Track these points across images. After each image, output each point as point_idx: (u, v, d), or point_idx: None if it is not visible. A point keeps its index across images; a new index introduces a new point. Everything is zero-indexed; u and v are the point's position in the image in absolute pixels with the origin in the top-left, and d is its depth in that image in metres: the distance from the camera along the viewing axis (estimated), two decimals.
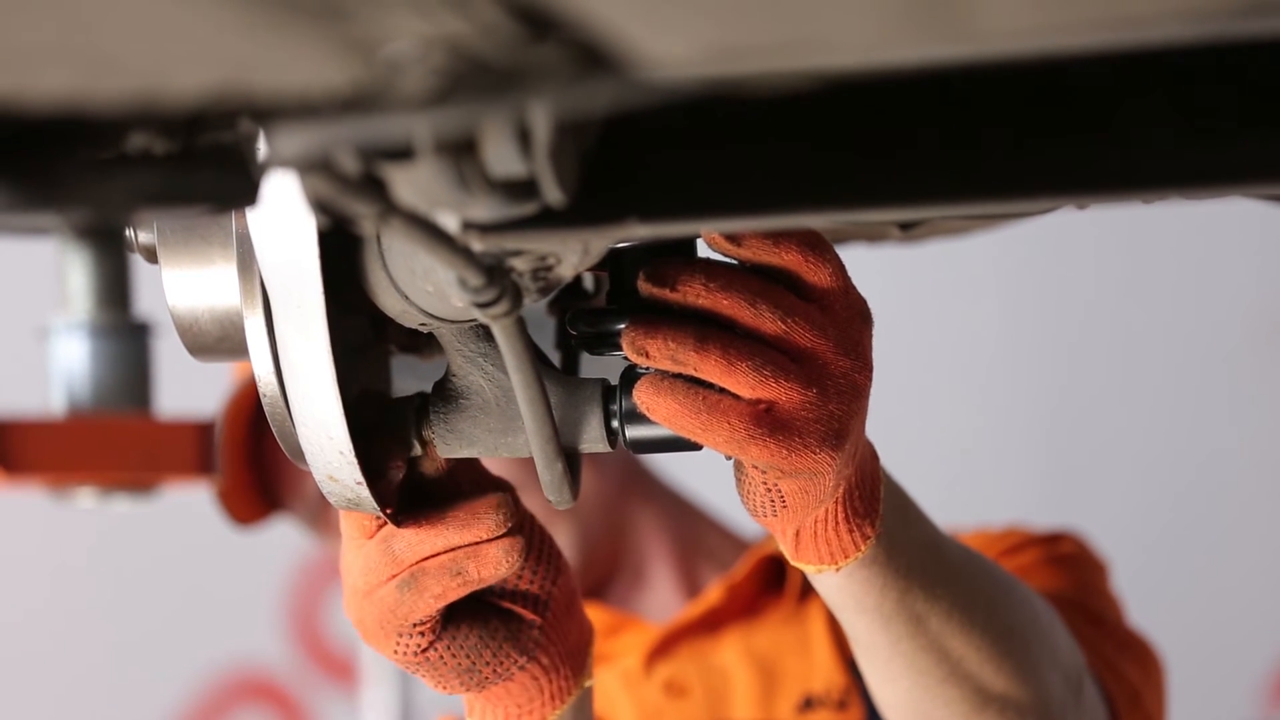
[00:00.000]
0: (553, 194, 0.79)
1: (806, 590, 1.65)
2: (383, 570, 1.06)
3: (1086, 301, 3.48)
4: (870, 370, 1.00)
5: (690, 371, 0.97)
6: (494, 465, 1.10)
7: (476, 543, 1.05)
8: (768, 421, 0.97)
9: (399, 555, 1.05)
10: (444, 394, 1.04)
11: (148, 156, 0.73)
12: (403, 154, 0.74)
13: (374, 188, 0.77)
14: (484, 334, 1.03)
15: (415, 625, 1.06)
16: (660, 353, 0.97)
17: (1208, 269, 3.44)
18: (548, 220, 0.83)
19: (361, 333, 1.04)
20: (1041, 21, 0.60)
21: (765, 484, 1.01)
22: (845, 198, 0.85)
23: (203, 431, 1.77)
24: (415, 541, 1.05)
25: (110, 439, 1.74)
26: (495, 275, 0.90)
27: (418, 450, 1.05)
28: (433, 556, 1.05)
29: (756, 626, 1.66)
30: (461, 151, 0.75)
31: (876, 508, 1.06)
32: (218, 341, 1.02)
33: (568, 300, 1.18)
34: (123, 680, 3.43)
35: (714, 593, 1.67)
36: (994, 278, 3.45)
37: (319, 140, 0.70)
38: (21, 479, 1.73)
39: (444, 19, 0.61)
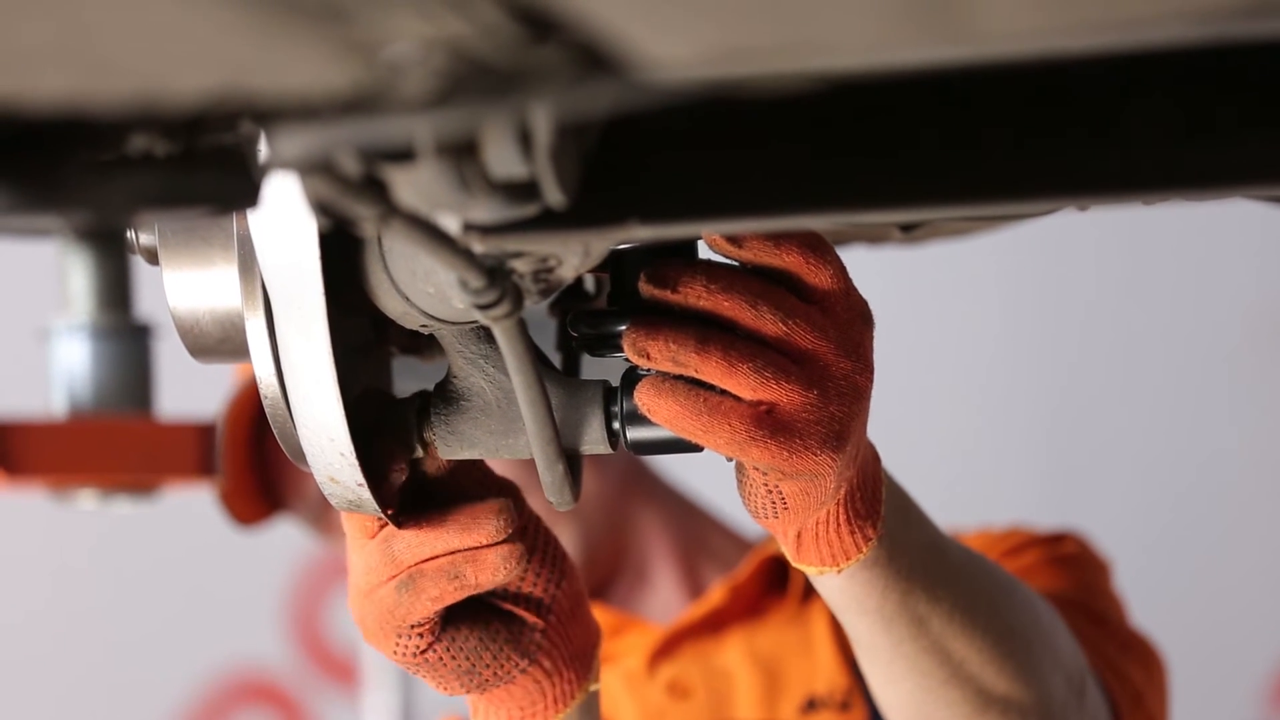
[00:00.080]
0: (554, 195, 0.79)
1: (809, 591, 1.64)
2: (382, 571, 1.06)
3: (1087, 302, 3.48)
4: (871, 372, 1.00)
5: (691, 373, 0.97)
6: (499, 466, 1.10)
7: (476, 547, 1.05)
8: (769, 423, 0.97)
9: (398, 556, 1.05)
10: (445, 395, 1.04)
11: (148, 158, 0.73)
12: (404, 155, 0.74)
13: (375, 189, 0.77)
14: (485, 335, 1.03)
15: (414, 626, 1.06)
16: (661, 354, 0.97)
17: (1208, 269, 3.44)
18: (549, 222, 0.83)
19: (362, 334, 1.04)
20: (1042, 23, 0.59)
21: (766, 486, 1.01)
22: (846, 199, 0.85)
23: (203, 433, 1.77)
24: (415, 543, 1.05)
25: (111, 440, 1.74)
26: (496, 277, 0.90)
27: (419, 452, 1.05)
28: (431, 559, 1.05)
29: (759, 627, 1.66)
30: (462, 153, 0.75)
31: (878, 509, 1.06)
32: (219, 343, 1.02)
33: (569, 302, 1.18)
34: (124, 681, 3.43)
35: (717, 593, 1.67)
36: (994, 279, 3.45)
37: (320, 142, 0.70)
38: (23, 480, 1.73)
39: (445, 20, 0.61)
